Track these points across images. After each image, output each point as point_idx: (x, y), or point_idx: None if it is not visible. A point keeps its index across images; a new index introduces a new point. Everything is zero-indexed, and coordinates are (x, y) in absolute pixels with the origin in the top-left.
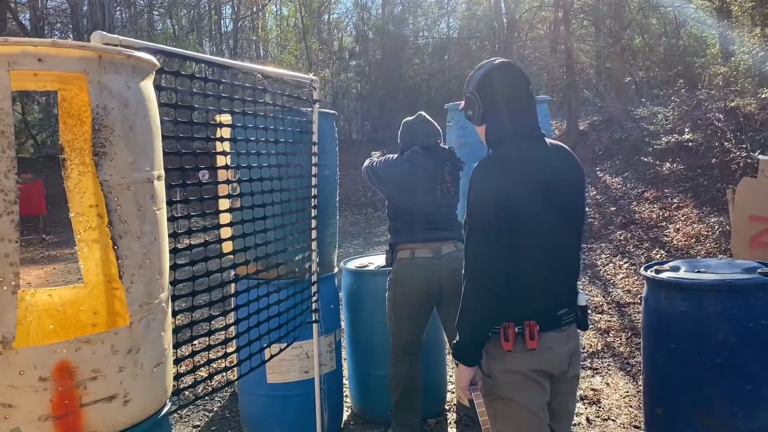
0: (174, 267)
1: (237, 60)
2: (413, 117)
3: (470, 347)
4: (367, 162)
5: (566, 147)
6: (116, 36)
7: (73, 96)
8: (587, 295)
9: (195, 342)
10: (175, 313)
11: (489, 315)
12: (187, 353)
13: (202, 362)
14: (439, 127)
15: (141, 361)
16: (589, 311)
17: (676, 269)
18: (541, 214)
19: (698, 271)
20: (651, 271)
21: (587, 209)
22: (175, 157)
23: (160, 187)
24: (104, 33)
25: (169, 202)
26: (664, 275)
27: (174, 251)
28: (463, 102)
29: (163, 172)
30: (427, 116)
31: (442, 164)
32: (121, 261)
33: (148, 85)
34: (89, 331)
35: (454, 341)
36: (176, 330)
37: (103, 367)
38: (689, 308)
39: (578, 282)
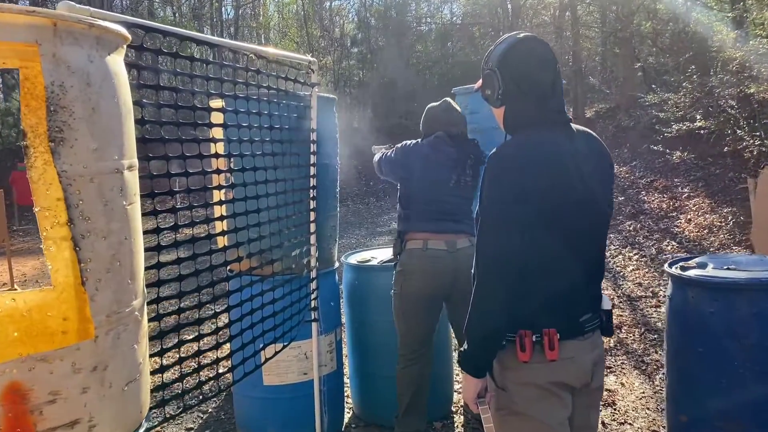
0: (158, 266)
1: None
2: (438, 103)
3: (480, 356)
4: (378, 154)
5: (594, 134)
6: (86, 7)
7: (36, 75)
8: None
9: (182, 347)
10: (160, 316)
11: (502, 321)
12: (174, 360)
13: (191, 368)
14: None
15: (109, 379)
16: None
17: (703, 266)
18: (563, 209)
19: (728, 268)
20: (676, 267)
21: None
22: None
23: (132, 178)
24: (72, 3)
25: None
26: (690, 273)
27: (158, 248)
28: (479, 81)
29: (136, 161)
30: (453, 103)
31: (465, 154)
32: (84, 264)
33: (116, 61)
34: (58, 339)
35: (462, 348)
36: (162, 334)
37: (63, 388)
38: (719, 309)
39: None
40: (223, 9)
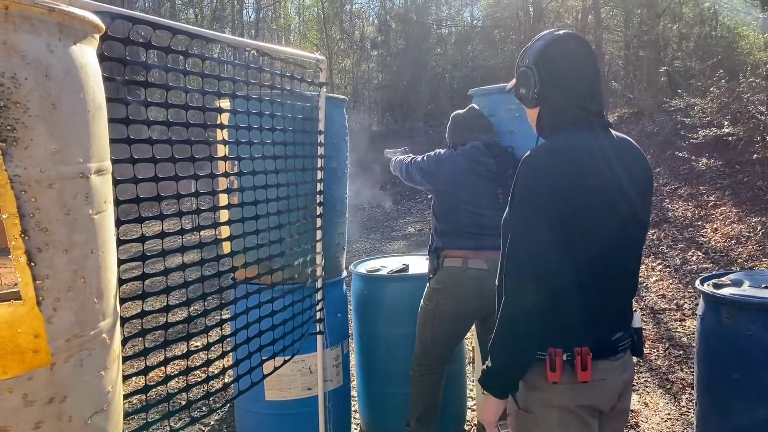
0: (143, 277)
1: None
2: (464, 110)
3: (505, 376)
4: (400, 158)
5: (634, 143)
6: None
7: None
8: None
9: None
10: (149, 330)
11: (533, 339)
12: (161, 377)
13: (180, 386)
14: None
15: (68, 412)
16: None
17: (738, 284)
18: (601, 221)
19: (766, 287)
20: (708, 285)
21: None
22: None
23: (102, 183)
24: None
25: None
26: (725, 291)
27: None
28: (513, 80)
29: (107, 164)
30: (479, 109)
31: (506, 165)
32: (40, 282)
33: (84, 52)
34: (28, 358)
35: (485, 366)
36: (147, 351)
37: (12, 423)
38: (758, 331)
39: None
40: (244, 11)
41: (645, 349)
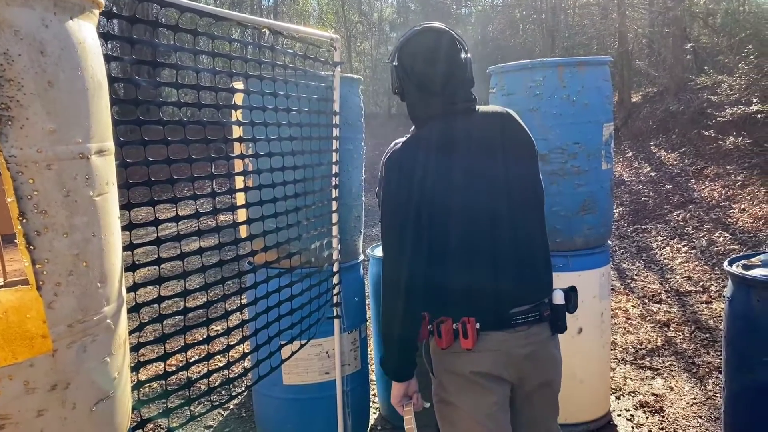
0: (158, 262)
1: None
2: None
3: (395, 360)
4: None
5: (508, 113)
6: None
7: None
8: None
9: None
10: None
11: (409, 320)
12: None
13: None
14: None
15: (72, 399)
16: (568, 311)
17: None
18: (472, 201)
19: None
20: (737, 266)
21: (537, 183)
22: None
23: (104, 164)
24: None
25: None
26: (756, 272)
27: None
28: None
29: (109, 144)
30: None
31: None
32: (39, 266)
33: (81, 27)
34: (38, 343)
35: (381, 354)
36: (164, 337)
37: (14, 411)
38: None
39: (551, 275)
40: None
41: (670, 333)
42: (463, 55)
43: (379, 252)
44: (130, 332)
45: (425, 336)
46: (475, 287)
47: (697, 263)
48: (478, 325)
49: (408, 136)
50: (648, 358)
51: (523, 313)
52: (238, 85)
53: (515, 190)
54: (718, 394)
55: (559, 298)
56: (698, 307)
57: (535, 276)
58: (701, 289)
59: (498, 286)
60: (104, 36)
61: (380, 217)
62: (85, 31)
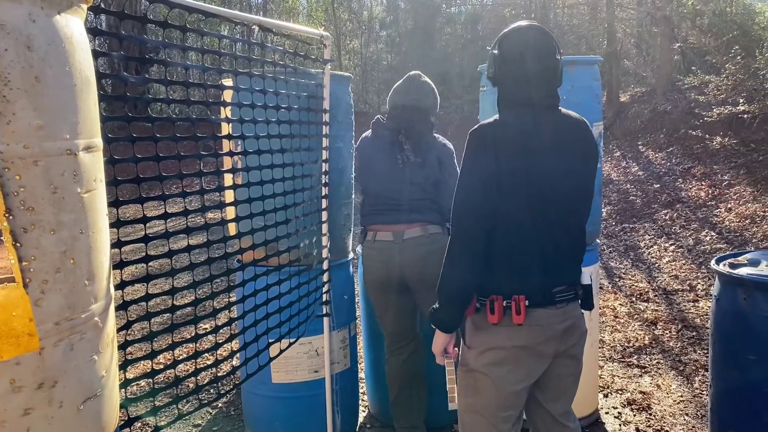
0: (146, 259)
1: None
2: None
3: (449, 311)
4: None
5: (585, 121)
6: None
7: None
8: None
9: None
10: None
11: (472, 278)
12: (169, 361)
13: (187, 371)
14: (436, 91)
15: (59, 397)
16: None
17: (755, 263)
18: (545, 187)
19: None
20: (724, 265)
21: (586, 185)
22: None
23: (92, 161)
24: None
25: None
26: (742, 271)
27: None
28: None
29: (97, 141)
30: (423, 76)
31: (396, 130)
32: (26, 264)
33: (69, 22)
34: (24, 342)
35: (433, 306)
36: (152, 335)
37: (0, 410)
38: None
39: (583, 259)
40: None
41: (657, 331)
42: (557, 56)
43: None
44: (118, 330)
45: (471, 312)
46: (529, 269)
47: (684, 262)
48: (527, 303)
49: (494, 118)
50: (635, 356)
51: (563, 291)
52: (228, 82)
53: (578, 186)
54: (704, 392)
55: (587, 279)
56: (685, 306)
57: (576, 261)
58: (688, 288)
59: (547, 268)
60: (92, 31)
61: (457, 183)
62: (73, 26)
